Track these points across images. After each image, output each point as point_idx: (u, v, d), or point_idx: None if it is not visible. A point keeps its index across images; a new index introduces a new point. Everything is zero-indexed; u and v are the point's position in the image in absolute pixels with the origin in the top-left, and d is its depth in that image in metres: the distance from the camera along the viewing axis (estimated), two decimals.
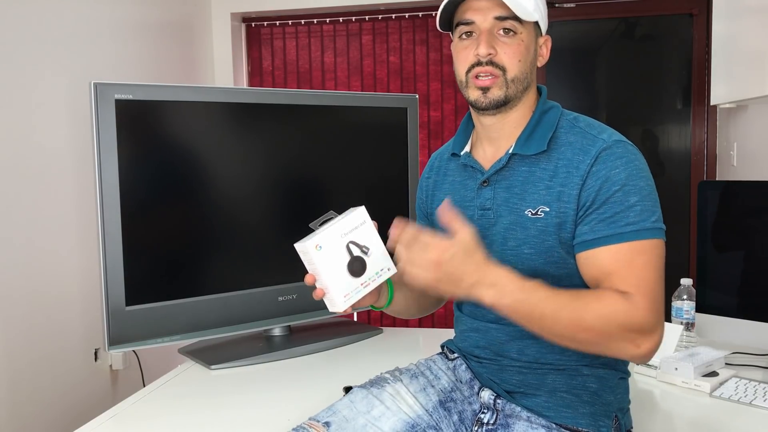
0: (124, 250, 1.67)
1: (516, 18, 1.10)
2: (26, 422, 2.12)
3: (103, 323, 1.66)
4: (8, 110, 2.08)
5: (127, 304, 1.69)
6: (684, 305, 1.78)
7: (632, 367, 1.56)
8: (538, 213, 1.09)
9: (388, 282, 1.19)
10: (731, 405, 1.43)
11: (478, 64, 1.11)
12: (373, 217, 1.12)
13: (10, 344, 2.07)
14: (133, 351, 2.53)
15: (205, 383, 1.67)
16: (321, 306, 2.05)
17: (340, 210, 1.16)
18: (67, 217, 2.33)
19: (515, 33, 1.11)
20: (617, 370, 1.15)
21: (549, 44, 1.19)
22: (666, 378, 1.56)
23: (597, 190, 1.05)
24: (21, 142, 2.13)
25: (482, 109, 1.14)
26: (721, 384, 1.51)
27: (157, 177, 1.74)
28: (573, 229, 1.07)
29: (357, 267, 1.10)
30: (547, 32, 1.19)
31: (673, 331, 1.65)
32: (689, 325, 1.78)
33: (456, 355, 1.25)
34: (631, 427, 1.20)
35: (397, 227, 1.04)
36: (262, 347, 1.89)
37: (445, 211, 1.01)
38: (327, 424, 1.11)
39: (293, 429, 1.13)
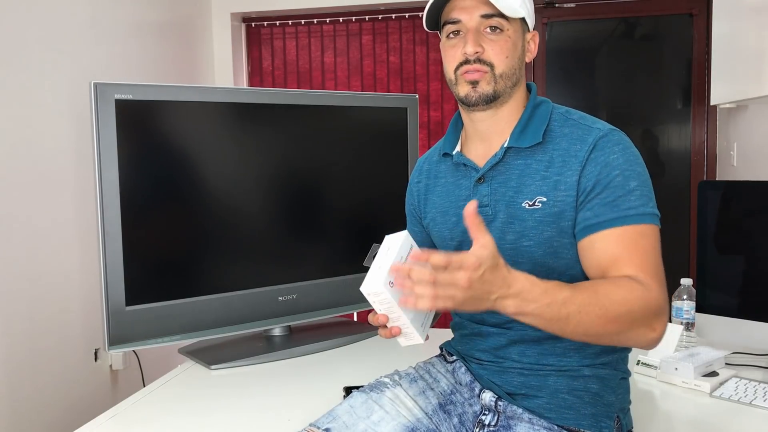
0: (124, 250, 1.67)
1: (502, 15, 1.10)
2: (26, 422, 2.12)
3: (103, 323, 1.66)
4: (8, 110, 2.08)
5: (127, 304, 1.69)
6: (684, 305, 1.78)
7: (632, 367, 1.56)
8: (536, 204, 1.09)
9: None
10: (731, 405, 1.43)
11: (466, 62, 1.12)
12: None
13: (10, 344, 2.07)
14: (133, 351, 2.53)
15: (205, 383, 1.67)
16: (321, 306, 2.06)
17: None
18: (67, 217, 2.33)
19: (502, 30, 1.11)
20: (618, 370, 1.15)
21: (537, 40, 1.20)
22: (666, 378, 1.56)
23: (597, 174, 1.06)
24: (21, 142, 2.13)
25: (472, 105, 1.14)
26: (721, 384, 1.51)
27: (157, 177, 1.74)
28: (573, 217, 1.07)
29: None
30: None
31: (673, 331, 1.65)
32: (689, 325, 1.78)
33: (454, 357, 1.25)
34: (632, 427, 1.20)
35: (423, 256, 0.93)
36: (262, 347, 1.89)
37: (472, 216, 0.92)
38: (327, 430, 1.11)
39: None
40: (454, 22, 1.12)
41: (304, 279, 1.96)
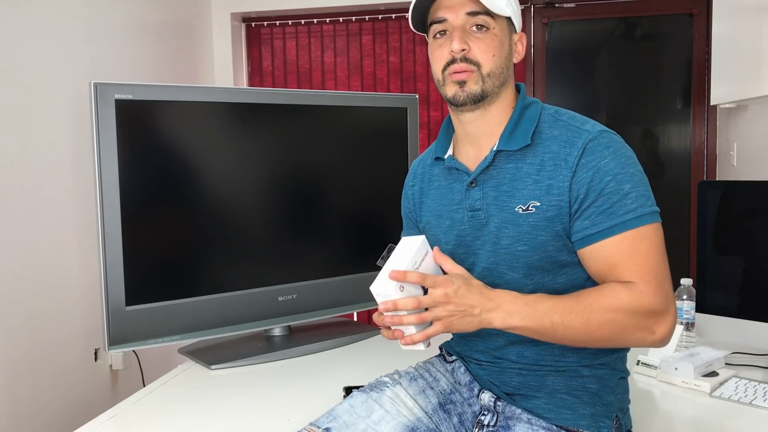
0: (124, 250, 1.67)
1: (488, 13, 1.10)
2: (26, 422, 2.12)
3: (103, 323, 1.66)
4: (8, 110, 2.08)
5: (127, 304, 1.69)
6: (684, 305, 1.78)
7: (632, 367, 1.56)
8: (529, 208, 1.09)
9: None
10: (731, 405, 1.43)
11: (453, 61, 1.11)
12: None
13: (11, 344, 2.07)
14: (133, 351, 2.53)
15: (205, 383, 1.67)
16: (321, 306, 2.06)
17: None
18: (67, 217, 2.33)
19: (488, 29, 1.11)
20: (617, 369, 1.15)
21: (524, 41, 1.20)
22: (666, 378, 1.56)
23: (589, 181, 1.05)
24: (21, 142, 2.13)
25: (460, 105, 1.14)
26: (721, 384, 1.51)
27: (157, 177, 1.74)
28: (567, 221, 1.08)
29: None
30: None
31: None
32: (689, 325, 1.78)
33: (454, 357, 1.25)
34: (631, 427, 1.20)
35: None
36: (262, 347, 1.89)
37: (437, 256, 1.06)
38: (327, 430, 1.11)
39: None
40: (440, 21, 1.12)
41: (304, 279, 1.96)
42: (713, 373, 1.55)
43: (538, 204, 1.09)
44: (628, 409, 1.19)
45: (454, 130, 1.24)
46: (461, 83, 1.12)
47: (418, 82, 3.51)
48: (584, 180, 1.06)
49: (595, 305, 1.02)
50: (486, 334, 1.17)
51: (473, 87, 1.11)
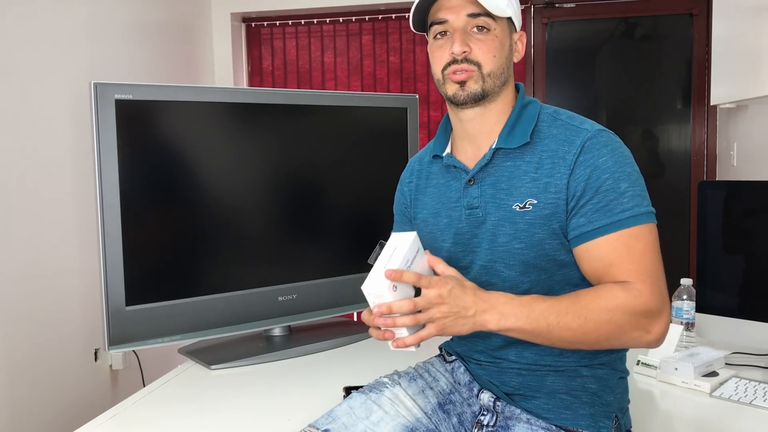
0: (124, 250, 1.67)
1: (489, 14, 1.10)
2: (26, 422, 2.12)
3: (103, 323, 1.66)
4: (8, 110, 2.08)
5: (127, 304, 1.69)
6: (684, 305, 1.78)
7: (632, 367, 1.56)
8: (526, 206, 1.09)
9: None
10: (731, 405, 1.43)
11: (454, 62, 1.11)
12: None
13: (10, 344, 2.07)
14: (133, 351, 2.53)
15: (205, 383, 1.67)
16: (321, 306, 2.06)
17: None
18: (67, 217, 2.33)
19: (489, 30, 1.11)
20: (616, 369, 1.15)
21: (524, 40, 1.20)
22: (666, 378, 1.56)
23: (586, 179, 1.06)
24: (21, 142, 2.13)
25: (461, 103, 1.14)
26: (721, 384, 1.51)
27: (157, 177, 1.74)
28: (564, 219, 1.08)
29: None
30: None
31: (673, 331, 1.65)
32: (689, 325, 1.78)
33: (453, 357, 1.25)
34: (630, 427, 1.20)
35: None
36: (262, 347, 1.89)
37: (429, 258, 1.05)
38: (326, 431, 1.11)
39: None
40: (441, 23, 1.12)
41: (304, 279, 1.96)
42: (713, 373, 1.55)
43: (535, 202, 1.09)
44: (627, 409, 1.19)
45: (452, 128, 1.24)
46: (461, 83, 1.12)
47: (418, 82, 3.51)
48: (581, 177, 1.06)
49: (592, 305, 1.01)
50: (485, 334, 1.16)
51: (473, 86, 1.12)
